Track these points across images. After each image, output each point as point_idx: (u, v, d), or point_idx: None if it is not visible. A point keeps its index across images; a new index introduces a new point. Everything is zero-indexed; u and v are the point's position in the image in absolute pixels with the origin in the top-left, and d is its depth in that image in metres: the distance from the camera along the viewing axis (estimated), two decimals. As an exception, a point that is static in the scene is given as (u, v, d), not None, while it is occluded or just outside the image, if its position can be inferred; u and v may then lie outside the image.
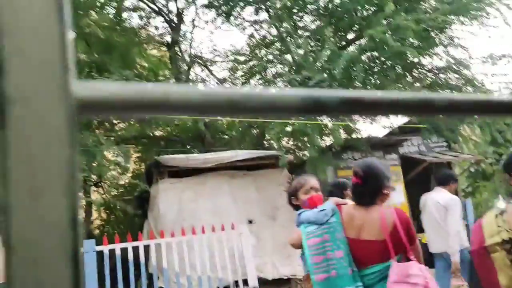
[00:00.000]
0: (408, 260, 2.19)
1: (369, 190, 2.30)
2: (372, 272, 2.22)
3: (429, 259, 4.21)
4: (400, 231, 2.19)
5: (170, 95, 0.29)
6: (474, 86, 9.58)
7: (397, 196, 9.94)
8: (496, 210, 2.38)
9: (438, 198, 4.73)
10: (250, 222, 8.61)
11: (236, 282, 7.68)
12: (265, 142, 12.86)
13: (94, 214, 15.08)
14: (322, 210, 2.40)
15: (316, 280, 2.27)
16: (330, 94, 0.34)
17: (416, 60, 9.09)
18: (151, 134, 14.27)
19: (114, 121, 12.09)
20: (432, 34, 9.25)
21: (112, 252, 6.59)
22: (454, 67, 9.43)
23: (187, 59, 12.28)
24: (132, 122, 12.67)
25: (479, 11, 9.10)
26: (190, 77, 12.39)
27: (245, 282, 7.58)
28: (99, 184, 14.03)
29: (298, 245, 2.77)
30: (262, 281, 8.04)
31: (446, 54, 9.67)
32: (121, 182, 14.96)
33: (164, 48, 13.61)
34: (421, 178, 11.70)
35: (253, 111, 0.34)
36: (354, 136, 9.17)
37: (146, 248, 7.35)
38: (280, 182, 8.97)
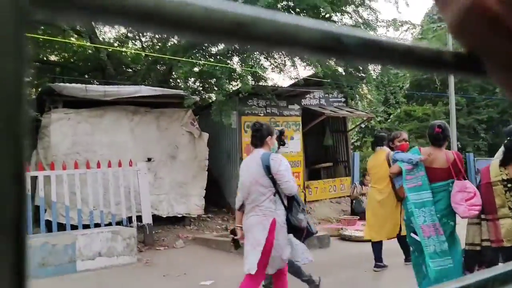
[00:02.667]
0: (464, 179, 3.92)
1: (443, 137, 3.95)
2: (438, 186, 3.89)
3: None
4: (458, 163, 3.93)
5: (163, 5, 0.23)
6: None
7: (295, 145, 10.42)
8: (499, 160, 3.78)
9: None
10: (149, 160, 8.47)
11: (130, 218, 7.62)
12: (171, 81, 12.49)
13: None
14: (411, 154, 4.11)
15: (408, 187, 3.97)
16: (351, 33, 0.30)
17: (328, 15, 9.27)
18: (45, 58, 13.06)
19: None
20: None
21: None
22: (362, 27, 9.82)
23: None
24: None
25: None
26: None
27: (139, 218, 7.56)
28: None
29: (398, 173, 4.26)
30: (156, 218, 8.08)
31: (356, 13, 10.00)
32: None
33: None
34: (318, 129, 12.39)
35: (262, 41, 0.28)
36: (261, 83, 9.26)
37: (33, 179, 6.92)
38: (183, 123, 8.87)
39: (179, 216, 8.58)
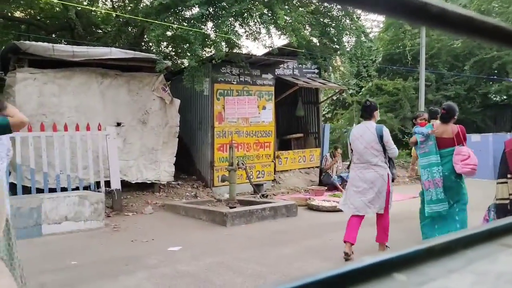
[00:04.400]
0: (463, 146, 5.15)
1: (447, 116, 5.14)
2: (446, 151, 5.11)
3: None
4: (460, 135, 5.13)
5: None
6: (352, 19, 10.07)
7: (267, 115, 10.43)
8: None
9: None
10: (119, 124, 8.33)
11: (98, 183, 7.54)
12: (143, 44, 12.16)
13: None
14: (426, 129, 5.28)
15: (420, 153, 5.30)
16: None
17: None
18: (10, 14, 12.44)
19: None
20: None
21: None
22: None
23: None
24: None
25: None
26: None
27: (108, 184, 7.49)
28: None
29: (415, 144, 5.40)
30: (125, 184, 8.03)
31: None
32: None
33: None
34: (290, 100, 12.42)
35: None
36: (235, 51, 9.13)
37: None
38: (154, 88, 8.70)
39: (149, 182, 8.55)
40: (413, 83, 15.22)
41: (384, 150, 4.85)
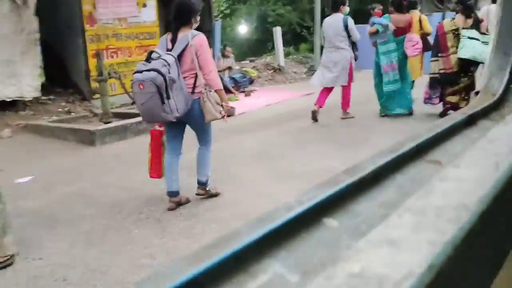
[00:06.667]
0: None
1: (409, 7, 6.45)
2: (401, 38, 6.16)
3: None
4: (412, 23, 6.25)
5: None
6: None
7: (148, 13, 9.31)
8: (450, 18, 6.06)
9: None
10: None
11: None
12: None
13: None
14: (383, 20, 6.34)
15: (379, 42, 6.27)
16: None
17: None
18: None
19: None
20: None
21: None
22: None
23: None
24: None
25: None
26: None
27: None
28: None
29: (375, 33, 6.20)
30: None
31: None
32: None
33: None
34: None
35: None
36: None
37: None
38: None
39: (9, 100, 7.39)
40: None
41: (349, 36, 6.16)
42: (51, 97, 8.26)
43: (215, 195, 3.84)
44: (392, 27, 6.10)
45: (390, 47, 6.16)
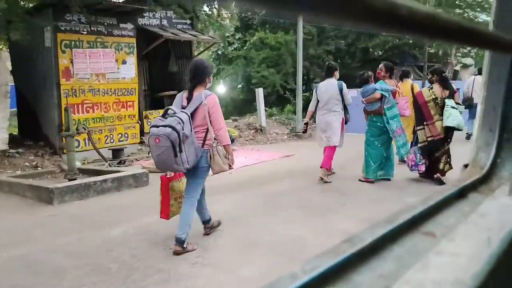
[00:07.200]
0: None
1: (390, 72, 6.77)
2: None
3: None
4: (398, 89, 6.80)
5: None
6: None
7: (128, 70, 9.24)
8: (428, 87, 6.32)
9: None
10: None
11: None
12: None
13: None
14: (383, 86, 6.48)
15: (386, 107, 6.25)
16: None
17: None
18: None
19: None
20: None
21: None
22: None
23: None
24: None
25: None
26: None
27: None
28: None
29: (379, 99, 6.29)
30: None
31: None
32: None
33: None
34: (163, 54, 11.27)
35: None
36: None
37: None
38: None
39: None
40: (295, 37, 14.79)
41: (342, 100, 6.36)
42: (20, 150, 7.93)
43: (191, 250, 3.84)
44: (397, 90, 6.47)
45: (394, 112, 6.25)
